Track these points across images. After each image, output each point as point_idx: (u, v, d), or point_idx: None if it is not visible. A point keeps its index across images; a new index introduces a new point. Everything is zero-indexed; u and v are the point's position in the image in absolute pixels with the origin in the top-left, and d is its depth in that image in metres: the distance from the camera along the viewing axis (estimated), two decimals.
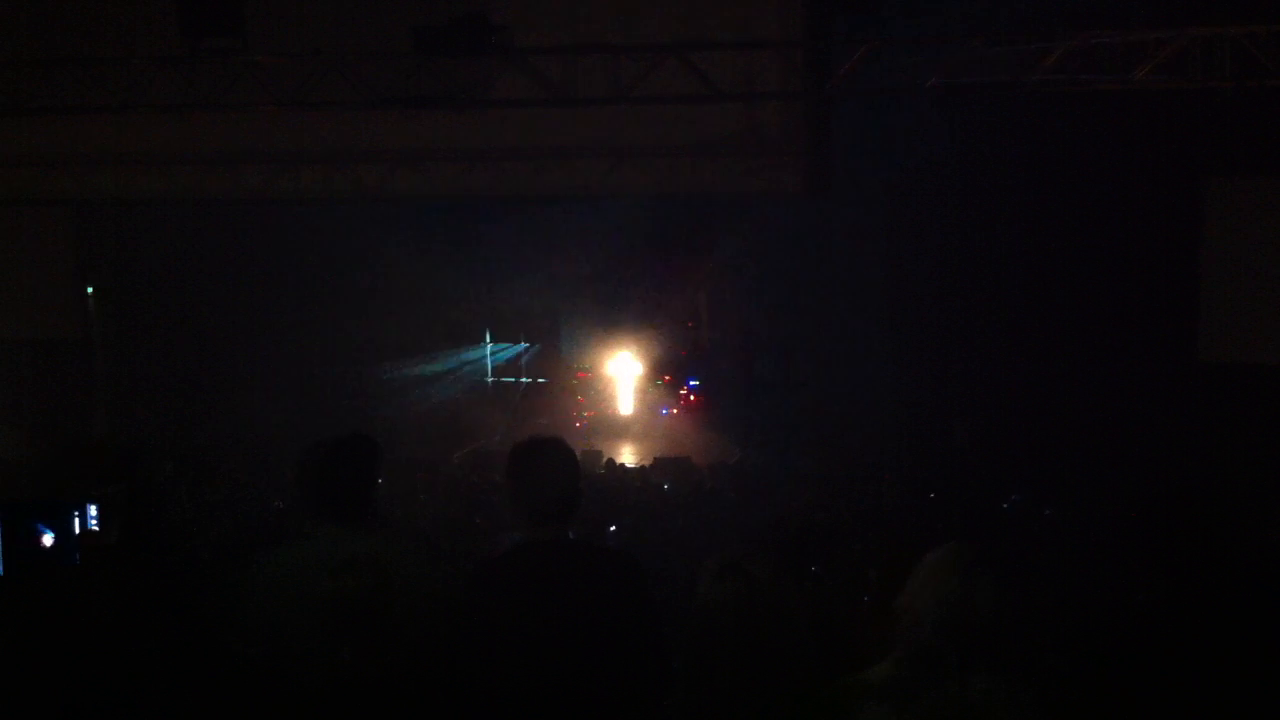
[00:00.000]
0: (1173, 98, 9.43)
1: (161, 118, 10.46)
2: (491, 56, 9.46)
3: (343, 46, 9.69)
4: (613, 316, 17.58)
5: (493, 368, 18.86)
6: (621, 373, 17.94)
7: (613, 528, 8.50)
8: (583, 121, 10.83)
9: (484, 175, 11.93)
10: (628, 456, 15.47)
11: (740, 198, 12.75)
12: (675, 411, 17.46)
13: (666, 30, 9.74)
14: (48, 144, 11.54)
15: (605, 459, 13.97)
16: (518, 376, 18.87)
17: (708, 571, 3.24)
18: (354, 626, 3.09)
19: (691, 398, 17.50)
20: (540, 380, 18.45)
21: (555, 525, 3.50)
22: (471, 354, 18.80)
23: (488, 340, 18.74)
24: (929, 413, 13.23)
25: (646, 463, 13.89)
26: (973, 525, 8.15)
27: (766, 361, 16.93)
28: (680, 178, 11.60)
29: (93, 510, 2.84)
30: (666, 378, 17.63)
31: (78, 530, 2.77)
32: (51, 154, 11.84)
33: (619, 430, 17.30)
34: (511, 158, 11.73)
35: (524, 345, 18.61)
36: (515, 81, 9.87)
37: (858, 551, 8.28)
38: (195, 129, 10.99)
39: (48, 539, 2.75)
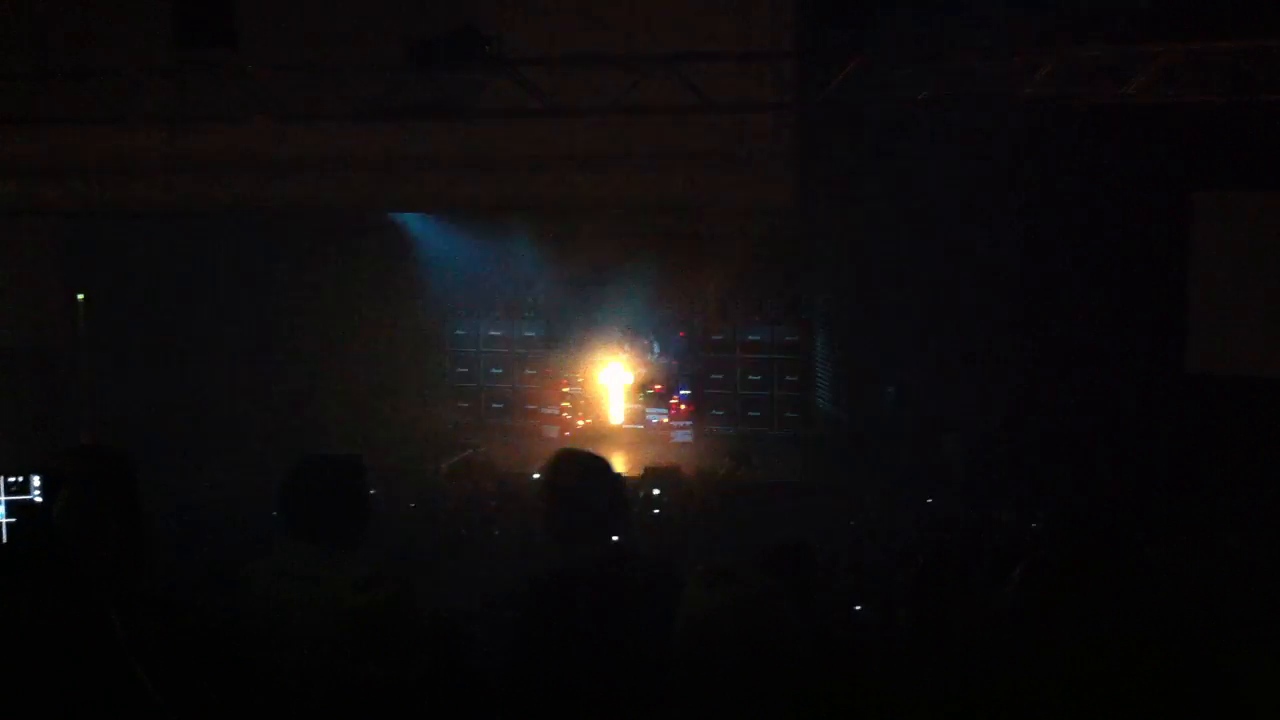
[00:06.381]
0: (1163, 112, 9.48)
1: (154, 128, 10.45)
2: (483, 67, 9.46)
3: (335, 58, 9.68)
4: (603, 326, 17.55)
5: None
6: (611, 382, 17.92)
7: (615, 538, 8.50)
8: (574, 132, 10.83)
9: (476, 186, 11.93)
10: (618, 466, 15.41)
11: (729, 210, 12.76)
12: (665, 421, 17.40)
13: (658, 42, 9.76)
14: (39, 154, 11.52)
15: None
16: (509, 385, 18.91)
17: (697, 580, 3.23)
18: (378, 641, 3.10)
19: (682, 407, 17.44)
20: (529, 388, 18.45)
21: (607, 539, 3.40)
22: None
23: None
24: (919, 427, 13.22)
25: (636, 472, 13.89)
26: (962, 540, 8.16)
27: (758, 372, 16.93)
28: (670, 189, 11.61)
29: (36, 481, 2.69)
30: (657, 387, 17.56)
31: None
32: (42, 164, 11.81)
33: (608, 440, 17.28)
34: (503, 168, 11.73)
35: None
36: (507, 92, 9.87)
37: (847, 565, 8.32)
38: (187, 139, 10.98)
39: None
